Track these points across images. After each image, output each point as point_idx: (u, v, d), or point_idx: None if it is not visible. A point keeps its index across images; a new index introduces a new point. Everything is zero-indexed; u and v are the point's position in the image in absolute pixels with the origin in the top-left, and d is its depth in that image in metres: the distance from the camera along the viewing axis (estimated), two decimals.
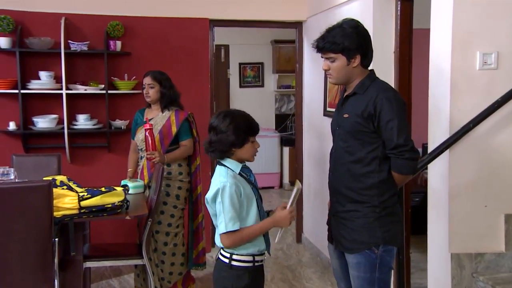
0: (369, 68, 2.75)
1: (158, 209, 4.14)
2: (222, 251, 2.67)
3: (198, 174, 4.43)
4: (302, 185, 2.82)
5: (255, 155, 2.73)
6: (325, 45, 2.64)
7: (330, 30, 2.65)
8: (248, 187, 2.64)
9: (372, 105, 2.57)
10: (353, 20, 2.70)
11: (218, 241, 2.66)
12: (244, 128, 2.63)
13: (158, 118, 4.24)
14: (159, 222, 4.18)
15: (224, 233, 2.54)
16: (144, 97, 4.29)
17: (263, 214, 2.70)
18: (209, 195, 2.60)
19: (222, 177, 2.58)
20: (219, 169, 2.65)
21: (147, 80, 4.25)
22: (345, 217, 2.72)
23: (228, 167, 2.63)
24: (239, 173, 2.65)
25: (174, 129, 4.22)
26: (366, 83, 2.66)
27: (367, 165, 2.63)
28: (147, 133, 4.04)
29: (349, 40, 2.59)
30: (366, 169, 2.63)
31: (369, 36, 2.70)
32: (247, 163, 2.74)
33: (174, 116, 4.24)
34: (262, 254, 2.70)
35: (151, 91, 4.23)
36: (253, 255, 2.64)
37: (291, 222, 2.69)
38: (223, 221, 2.53)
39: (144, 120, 4.25)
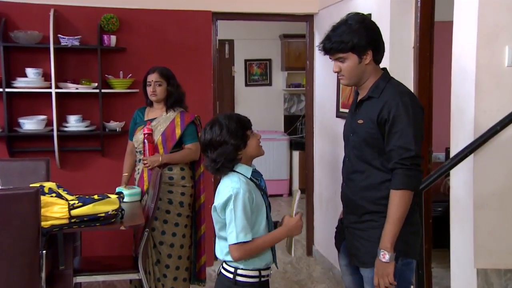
0: (385, 65, 2.75)
1: (160, 218, 4.15)
2: (225, 265, 2.67)
3: (202, 182, 4.42)
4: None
5: (261, 146, 2.73)
6: (332, 46, 2.65)
7: (335, 29, 2.66)
8: (259, 194, 2.64)
9: (386, 110, 2.57)
10: (358, 14, 2.72)
11: (220, 253, 2.66)
12: (237, 126, 2.60)
13: (162, 119, 4.24)
14: (163, 232, 4.18)
15: (235, 244, 2.53)
16: (149, 96, 4.26)
17: (271, 224, 2.70)
18: (218, 202, 2.59)
19: (235, 183, 2.56)
20: (230, 174, 2.64)
21: (154, 77, 4.22)
22: (360, 228, 2.71)
23: (238, 173, 2.62)
24: (250, 178, 2.64)
25: (178, 132, 4.21)
26: (381, 85, 2.66)
27: (384, 173, 2.62)
28: (145, 139, 4.04)
29: (357, 36, 2.60)
30: (384, 177, 2.63)
31: (378, 29, 2.71)
32: (257, 168, 2.74)
33: (179, 118, 4.24)
34: (268, 268, 2.70)
35: (158, 89, 4.21)
36: (260, 270, 2.64)
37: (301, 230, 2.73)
38: (234, 231, 2.52)
39: (145, 120, 4.27)
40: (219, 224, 2.63)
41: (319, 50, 2.76)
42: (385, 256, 2.55)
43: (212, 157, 2.60)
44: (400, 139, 2.55)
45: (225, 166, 2.60)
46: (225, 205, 2.55)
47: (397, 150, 2.55)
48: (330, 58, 2.74)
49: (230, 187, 2.55)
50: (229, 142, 2.57)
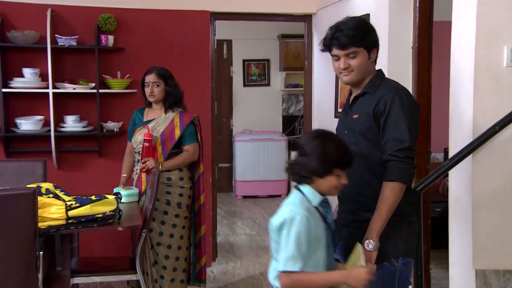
0: (384, 65, 2.76)
1: (158, 219, 4.15)
2: None
3: (201, 182, 4.43)
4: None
5: (338, 190, 2.48)
6: (348, 40, 2.61)
7: (344, 24, 2.64)
8: (321, 228, 2.45)
9: (382, 103, 2.58)
10: (357, 16, 2.76)
11: (270, 275, 2.50)
12: (331, 158, 2.40)
13: (161, 119, 4.24)
14: (161, 233, 4.18)
15: (282, 271, 2.35)
16: (147, 97, 4.26)
17: (331, 261, 2.52)
18: (275, 221, 2.41)
19: (294, 206, 2.39)
20: (294, 194, 2.48)
21: (151, 78, 4.21)
22: (359, 227, 2.70)
23: (305, 195, 2.46)
24: (316, 207, 2.46)
25: (177, 132, 4.21)
26: (376, 82, 2.69)
27: (382, 168, 2.61)
28: (145, 144, 4.04)
29: (369, 33, 2.66)
30: (381, 172, 2.61)
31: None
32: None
33: (178, 118, 4.24)
34: None
35: (156, 90, 4.21)
36: None
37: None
38: (283, 257, 2.35)
39: (144, 121, 4.27)
40: (274, 243, 2.46)
41: (332, 45, 2.68)
42: (369, 245, 2.54)
43: (293, 160, 2.53)
44: (394, 131, 2.55)
45: (295, 176, 2.48)
46: (280, 227, 2.38)
47: (391, 141, 2.55)
48: (333, 56, 2.70)
49: (288, 209, 2.39)
50: (311, 161, 2.42)
